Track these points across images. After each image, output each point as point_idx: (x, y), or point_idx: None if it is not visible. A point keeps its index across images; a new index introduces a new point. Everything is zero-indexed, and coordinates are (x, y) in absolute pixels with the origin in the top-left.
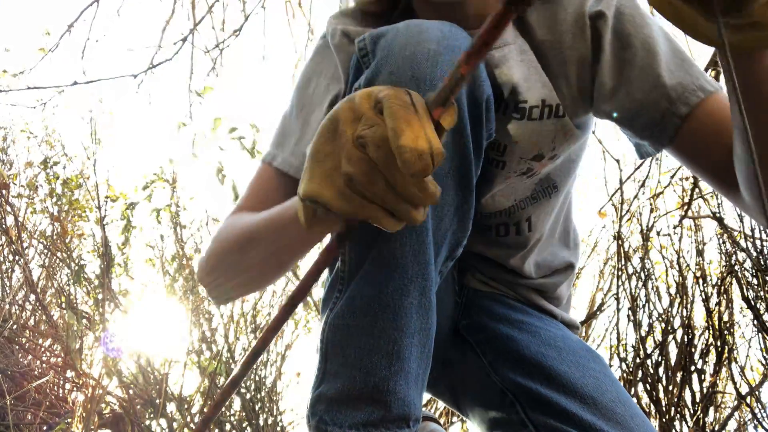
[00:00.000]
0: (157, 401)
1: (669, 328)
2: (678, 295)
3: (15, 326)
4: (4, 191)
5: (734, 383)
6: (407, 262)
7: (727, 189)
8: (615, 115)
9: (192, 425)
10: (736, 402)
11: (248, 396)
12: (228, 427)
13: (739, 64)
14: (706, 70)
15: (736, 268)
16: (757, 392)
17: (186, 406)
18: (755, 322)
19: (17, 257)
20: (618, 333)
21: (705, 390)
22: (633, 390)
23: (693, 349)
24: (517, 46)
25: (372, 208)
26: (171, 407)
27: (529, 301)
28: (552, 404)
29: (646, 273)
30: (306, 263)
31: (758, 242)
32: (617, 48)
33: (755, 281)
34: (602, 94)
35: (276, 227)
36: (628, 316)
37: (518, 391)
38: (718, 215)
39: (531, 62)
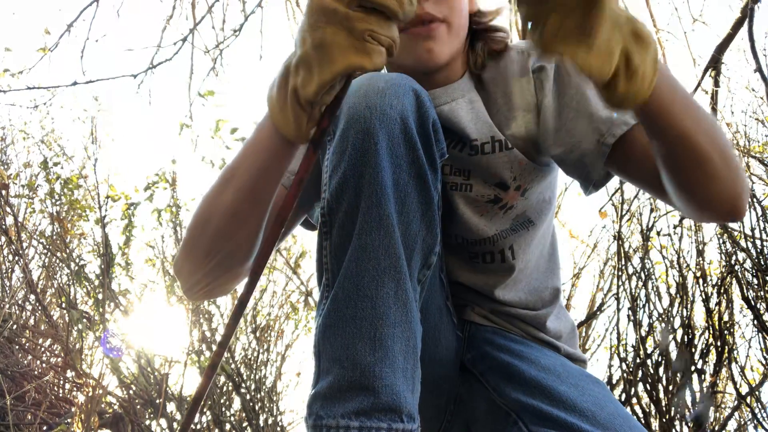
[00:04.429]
0: (157, 401)
1: (669, 328)
2: (678, 295)
3: (15, 326)
4: (3, 191)
5: (734, 383)
6: (379, 254)
7: (659, 193)
8: (559, 150)
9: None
10: (736, 402)
11: (248, 396)
12: (228, 427)
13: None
14: (707, 70)
15: (736, 268)
16: (757, 392)
17: (186, 406)
18: (755, 322)
19: (17, 257)
20: (618, 333)
21: (705, 390)
22: (633, 390)
23: (693, 349)
24: (466, 99)
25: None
26: (171, 407)
27: (529, 334)
28: (552, 418)
29: (646, 273)
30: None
31: (758, 242)
32: (557, 94)
33: (755, 281)
34: (546, 135)
35: (252, 152)
36: (628, 316)
37: (520, 409)
38: None
39: (479, 110)
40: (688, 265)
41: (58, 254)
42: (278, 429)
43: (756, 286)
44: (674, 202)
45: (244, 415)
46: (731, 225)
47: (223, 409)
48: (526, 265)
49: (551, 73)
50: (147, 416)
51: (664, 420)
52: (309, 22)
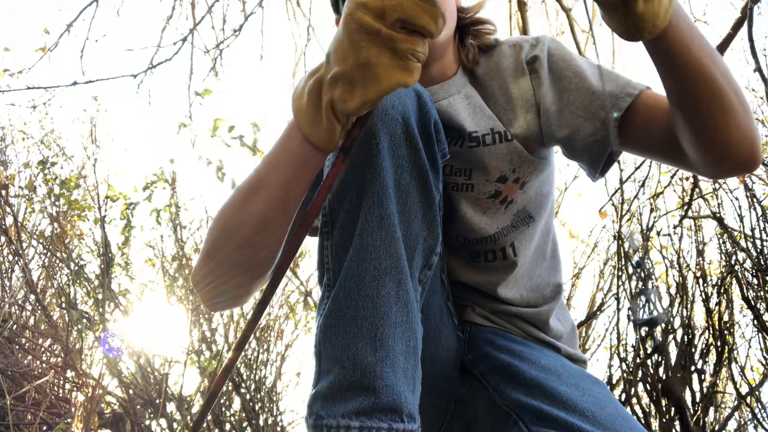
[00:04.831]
0: (157, 401)
1: (669, 328)
2: (678, 295)
3: (15, 326)
4: (2, 192)
5: (734, 383)
6: (380, 254)
7: (673, 157)
8: (566, 132)
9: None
10: (736, 402)
11: (248, 396)
12: (228, 427)
13: (651, 49)
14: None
15: (736, 268)
16: (757, 392)
17: (186, 406)
18: (755, 322)
19: (17, 257)
20: (618, 333)
21: (705, 390)
22: (633, 390)
23: (693, 349)
24: (462, 94)
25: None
26: (171, 407)
27: (530, 334)
28: (552, 418)
29: (646, 273)
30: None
31: (758, 242)
32: (554, 80)
33: (755, 281)
34: (550, 120)
35: (281, 161)
36: (628, 316)
37: (520, 409)
38: (718, 215)
39: (476, 104)
40: (688, 265)
41: (58, 254)
42: (278, 429)
43: (756, 286)
44: (690, 159)
45: (244, 415)
46: (731, 225)
47: (223, 409)
48: (528, 261)
49: (545, 61)
50: (147, 416)
51: (664, 420)
52: (350, 41)
